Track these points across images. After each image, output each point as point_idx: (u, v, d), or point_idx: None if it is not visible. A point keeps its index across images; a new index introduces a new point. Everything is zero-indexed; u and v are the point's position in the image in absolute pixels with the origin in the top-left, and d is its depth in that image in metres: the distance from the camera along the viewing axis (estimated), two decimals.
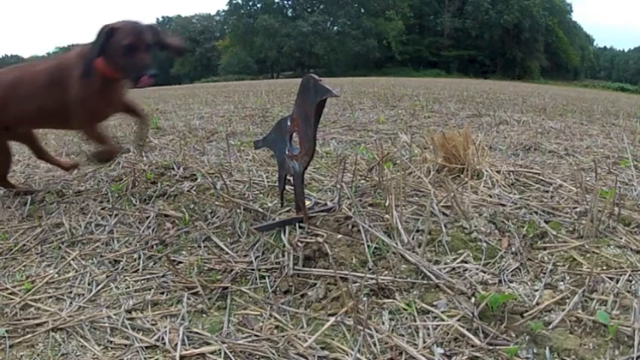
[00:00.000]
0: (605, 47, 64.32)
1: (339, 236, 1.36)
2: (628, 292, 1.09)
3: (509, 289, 1.14)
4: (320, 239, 1.33)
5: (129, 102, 2.04)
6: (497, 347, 0.94)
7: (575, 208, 1.54)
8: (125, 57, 1.72)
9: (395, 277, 1.18)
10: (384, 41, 42.35)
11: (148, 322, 1.13)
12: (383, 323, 1.05)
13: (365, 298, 1.13)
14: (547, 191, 1.75)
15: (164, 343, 1.04)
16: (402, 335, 1.01)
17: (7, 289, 1.33)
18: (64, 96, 1.83)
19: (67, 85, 1.83)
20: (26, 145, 2.25)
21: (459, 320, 1.03)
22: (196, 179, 2.04)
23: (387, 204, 1.52)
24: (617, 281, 1.13)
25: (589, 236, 1.34)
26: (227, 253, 1.42)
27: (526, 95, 8.24)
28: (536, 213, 1.53)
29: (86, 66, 1.74)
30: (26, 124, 2.10)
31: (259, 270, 1.30)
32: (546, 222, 1.45)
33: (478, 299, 1.07)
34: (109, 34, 1.70)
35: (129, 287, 1.30)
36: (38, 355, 1.05)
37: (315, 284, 1.21)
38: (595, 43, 60.58)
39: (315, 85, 1.27)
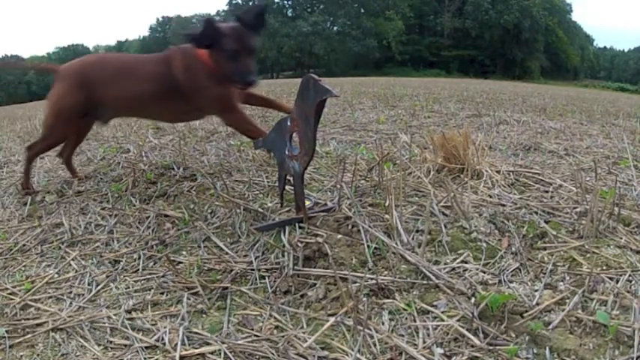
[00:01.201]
0: (604, 47, 64.42)
1: (339, 236, 1.36)
2: (628, 292, 1.09)
3: (509, 289, 1.14)
4: (320, 239, 1.33)
5: (251, 93, 2.06)
6: (497, 347, 0.94)
7: (575, 208, 1.54)
8: (230, 61, 1.76)
9: (395, 277, 1.18)
10: (384, 41, 42.35)
11: (148, 322, 1.14)
12: (383, 323, 1.05)
13: (365, 299, 1.13)
14: (547, 191, 1.75)
15: (164, 344, 1.04)
16: (402, 335, 1.01)
17: (7, 289, 1.33)
18: (173, 86, 1.90)
19: (181, 75, 1.89)
20: (72, 138, 2.22)
21: (458, 320, 1.03)
22: (196, 179, 2.04)
23: (386, 204, 1.52)
24: (617, 281, 1.13)
25: (589, 236, 1.34)
26: (227, 253, 1.42)
27: (526, 95, 8.23)
28: (536, 213, 1.53)
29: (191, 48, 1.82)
30: (126, 108, 2.11)
31: (259, 270, 1.30)
32: (546, 222, 1.45)
33: (478, 299, 1.07)
34: (215, 34, 1.73)
35: (129, 287, 1.30)
36: (38, 355, 1.05)
37: (315, 284, 1.21)
38: (595, 43, 60.69)
39: (315, 85, 1.27)
